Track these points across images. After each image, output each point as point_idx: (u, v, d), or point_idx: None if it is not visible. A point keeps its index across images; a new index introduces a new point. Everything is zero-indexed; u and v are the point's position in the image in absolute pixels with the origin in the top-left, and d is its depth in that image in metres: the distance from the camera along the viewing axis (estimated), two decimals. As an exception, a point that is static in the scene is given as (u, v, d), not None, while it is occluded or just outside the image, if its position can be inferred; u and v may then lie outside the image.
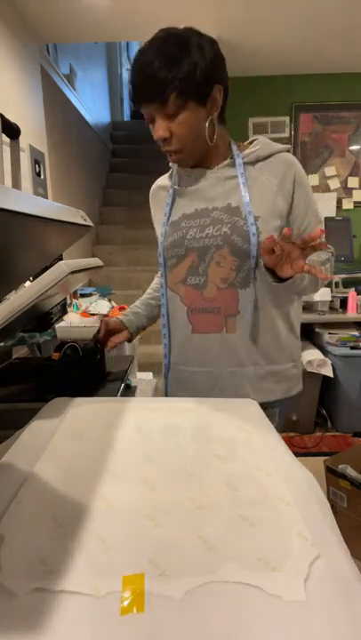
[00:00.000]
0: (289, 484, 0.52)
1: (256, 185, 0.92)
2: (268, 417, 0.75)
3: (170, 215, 1.00)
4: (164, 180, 1.07)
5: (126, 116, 6.66)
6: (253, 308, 0.92)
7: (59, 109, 3.12)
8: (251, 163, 0.94)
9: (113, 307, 1.83)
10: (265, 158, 0.94)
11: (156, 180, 1.09)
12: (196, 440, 0.64)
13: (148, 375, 2.37)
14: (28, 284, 0.73)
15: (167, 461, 0.58)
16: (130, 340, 1.14)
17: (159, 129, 0.85)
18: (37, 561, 0.40)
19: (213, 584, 0.37)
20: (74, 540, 0.42)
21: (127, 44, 6.74)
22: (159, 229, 1.03)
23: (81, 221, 0.64)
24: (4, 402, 0.97)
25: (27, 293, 0.63)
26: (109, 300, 1.91)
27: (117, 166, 4.96)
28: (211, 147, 0.91)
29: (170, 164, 1.01)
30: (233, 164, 0.94)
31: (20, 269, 0.66)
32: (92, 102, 4.36)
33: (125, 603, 0.35)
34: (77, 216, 0.64)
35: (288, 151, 0.97)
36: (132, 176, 4.57)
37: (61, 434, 0.64)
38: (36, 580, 0.37)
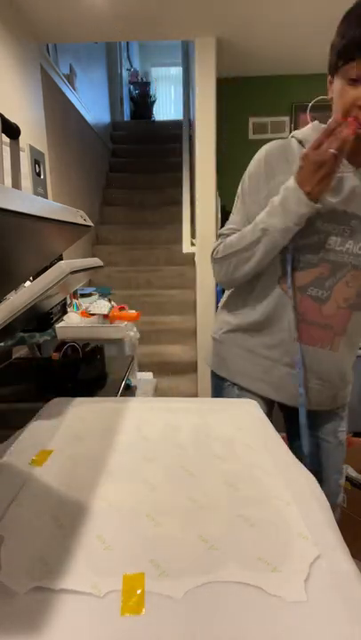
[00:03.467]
0: (289, 483, 0.52)
1: None
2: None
3: None
4: (288, 150, 0.88)
5: (126, 115, 6.66)
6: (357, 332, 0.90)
7: (59, 109, 3.12)
8: None
9: (113, 306, 1.83)
10: None
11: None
12: (195, 440, 0.64)
13: (148, 375, 2.37)
14: (28, 283, 0.73)
15: (167, 461, 0.57)
16: None
17: None
18: (37, 560, 0.40)
19: (213, 584, 0.37)
20: (74, 540, 0.42)
21: (127, 43, 6.74)
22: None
23: (81, 221, 0.64)
24: (3, 402, 0.97)
25: (27, 293, 0.63)
26: (109, 300, 1.91)
27: (117, 166, 4.96)
28: None
29: (299, 140, 0.88)
30: None
31: (20, 269, 0.66)
32: (92, 102, 4.36)
33: (126, 602, 0.35)
34: (77, 216, 0.64)
35: None
36: (131, 176, 4.57)
37: (61, 434, 0.64)
38: (36, 578, 0.37)
